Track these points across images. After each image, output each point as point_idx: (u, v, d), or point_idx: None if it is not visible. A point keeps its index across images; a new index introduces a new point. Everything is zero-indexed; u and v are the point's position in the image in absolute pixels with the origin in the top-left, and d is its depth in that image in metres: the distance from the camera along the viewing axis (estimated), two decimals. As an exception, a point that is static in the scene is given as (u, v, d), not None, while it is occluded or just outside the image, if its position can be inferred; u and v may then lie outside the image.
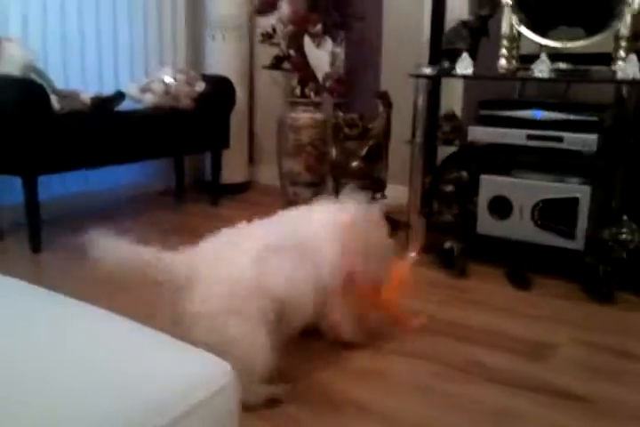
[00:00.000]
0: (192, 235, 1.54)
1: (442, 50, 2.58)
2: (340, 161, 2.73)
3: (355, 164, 2.69)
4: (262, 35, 3.21)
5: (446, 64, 2.51)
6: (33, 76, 2.60)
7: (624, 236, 2.09)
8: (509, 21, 2.33)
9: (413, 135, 2.50)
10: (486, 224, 2.34)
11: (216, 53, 3.46)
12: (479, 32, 2.50)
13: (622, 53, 2.15)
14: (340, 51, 3.27)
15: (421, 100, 2.46)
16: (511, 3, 2.29)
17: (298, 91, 3.22)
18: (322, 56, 3.12)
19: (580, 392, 1.54)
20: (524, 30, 2.38)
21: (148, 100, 3.06)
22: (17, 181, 2.52)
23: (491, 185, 2.32)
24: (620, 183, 2.44)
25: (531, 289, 2.18)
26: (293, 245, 1.51)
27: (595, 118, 2.18)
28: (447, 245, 2.33)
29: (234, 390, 0.80)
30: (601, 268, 2.07)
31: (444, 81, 2.87)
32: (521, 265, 2.21)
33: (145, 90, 3.10)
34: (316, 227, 1.60)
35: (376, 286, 1.71)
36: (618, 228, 2.12)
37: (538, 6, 2.31)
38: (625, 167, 2.42)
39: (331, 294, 1.59)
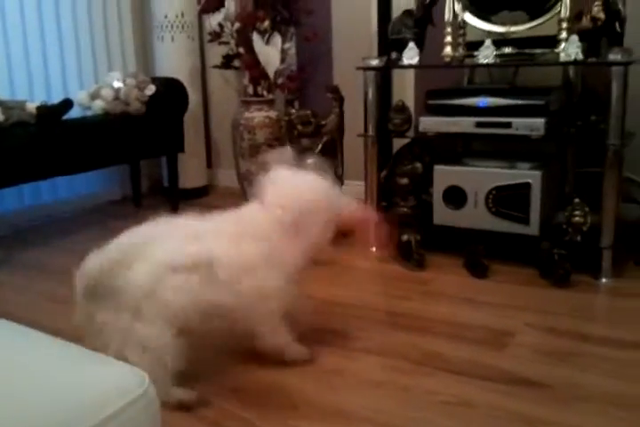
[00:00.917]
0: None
1: (389, 40, 2.56)
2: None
3: (310, 161, 2.65)
4: (210, 34, 3.17)
5: (394, 54, 2.49)
6: (-26, 88, 2.54)
7: (577, 218, 2.09)
8: (452, 8, 2.31)
9: (366, 129, 2.48)
10: (442, 214, 2.33)
11: (166, 55, 3.41)
12: (424, 20, 2.48)
13: (564, 35, 2.14)
14: (291, 46, 3.24)
15: (371, 93, 2.44)
16: (452, -10, 2.28)
17: (250, 89, 3.18)
18: (272, 53, 3.09)
19: (537, 378, 1.53)
20: (467, 17, 2.37)
21: (98, 106, 3.01)
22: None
23: (444, 175, 2.31)
24: (572, 166, 2.44)
25: (489, 277, 2.17)
26: (193, 266, 1.44)
27: (541, 102, 2.17)
28: (404, 237, 2.31)
29: (151, 400, 0.79)
30: (556, 251, 2.06)
31: (396, 72, 2.85)
32: (478, 254, 2.20)
33: (94, 96, 3.05)
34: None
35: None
36: (571, 211, 2.11)
37: (479, -8, 2.29)
38: (574, 150, 2.43)
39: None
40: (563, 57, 2.08)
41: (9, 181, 2.51)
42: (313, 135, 2.69)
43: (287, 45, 3.16)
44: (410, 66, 2.38)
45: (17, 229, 2.86)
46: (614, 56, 1.98)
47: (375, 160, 2.49)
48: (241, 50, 3.10)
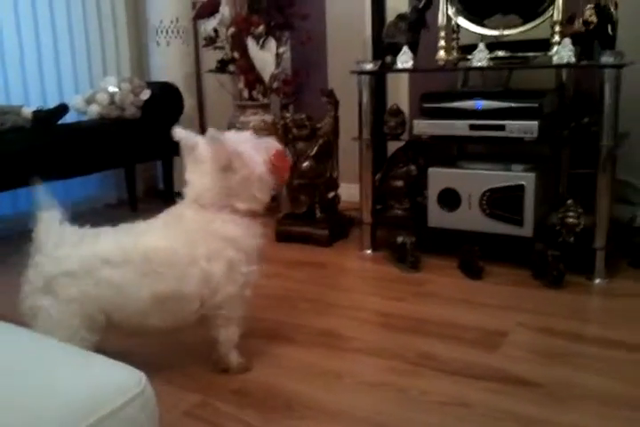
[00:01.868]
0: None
1: (383, 44, 2.58)
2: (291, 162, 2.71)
3: (305, 164, 2.67)
4: (205, 39, 3.18)
5: (388, 59, 2.51)
6: (-30, 93, 2.55)
7: (570, 220, 2.11)
8: (445, 12, 2.33)
9: (360, 132, 2.49)
10: (437, 217, 2.34)
11: (161, 60, 3.43)
12: (418, 25, 2.50)
13: (557, 38, 2.16)
14: (285, 51, 3.25)
15: (365, 97, 2.45)
16: (445, -6, 2.30)
17: (245, 94, 3.20)
18: (266, 57, 3.10)
19: (532, 378, 1.54)
20: (461, 21, 2.39)
21: (93, 111, 3.03)
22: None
23: (438, 177, 2.32)
24: (566, 168, 2.46)
25: (483, 278, 2.19)
26: (125, 259, 1.45)
27: (535, 105, 2.19)
28: (399, 239, 2.32)
29: (149, 399, 0.80)
30: (549, 252, 2.08)
31: (390, 76, 2.88)
32: (472, 255, 2.21)
33: (90, 101, 3.07)
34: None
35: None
36: (564, 212, 2.13)
37: (472, -4, 2.31)
38: (568, 151, 2.45)
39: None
40: (556, 60, 2.10)
41: (5, 185, 2.52)
42: (308, 138, 2.70)
43: (282, 50, 3.18)
44: (404, 70, 2.40)
45: (12, 233, 2.85)
46: (607, 59, 2.00)
47: (370, 163, 2.50)
48: (236, 54, 3.12)
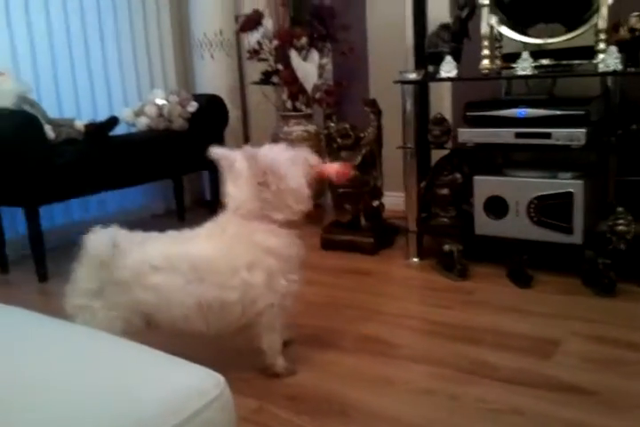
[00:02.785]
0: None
1: (426, 54, 2.60)
2: (335, 171, 2.74)
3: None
4: (249, 51, 3.24)
5: (431, 68, 2.53)
6: (26, 107, 2.63)
7: (621, 227, 2.09)
8: (488, 22, 2.34)
9: (404, 141, 2.51)
10: (484, 224, 2.35)
11: (206, 72, 3.50)
12: (460, 34, 2.52)
13: (602, 46, 2.16)
14: (327, 62, 3.30)
15: (409, 106, 2.48)
16: (488, 3, 2.31)
17: (289, 104, 3.25)
18: (309, 68, 3.15)
19: (586, 386, 1.54)
20: (503, 30, 2.39)
21: (142, 123, 3.10)
22: (18, 213, 2.55)
23: (485, 185, 2.33)
24: (613, 175, 2.45)
25: (533, 287, 2.19)
26: (174, 266, 1.51)
27: (581, 112, 2.18)
28: (446, 247, 2.33)
29: (227, 401, 0.82)
30: (600, 260, 2.07)
31: (432, 85, 2.89)
32: (521, 264, 2.21)
33: (138, 113, 3.15)
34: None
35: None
36: (614, 219, 2.12)
37: (515, 5, 2.32)
38: (616, 158, 2.43)
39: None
40: (602, 68, 2.10)
41: (60, 196, 2.60)
42: (352, 148, 2.73)
43: (324, 61, 3.22)
44: (448, 79, 2.41)
45: (66, 243, 2.94)
46: (654, 66, 2.00)
47: (414, 171, 2.52)
48: (279, 66, 3.17)
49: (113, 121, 2.88)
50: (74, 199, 2.81)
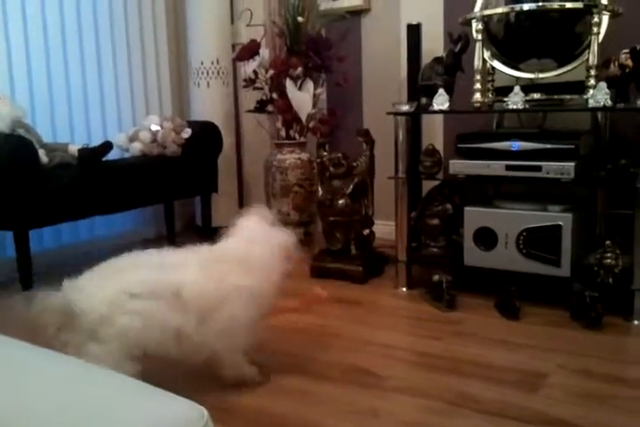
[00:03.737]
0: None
1: (419, 86, 2.64)
2: (327, 199, 2.76)
3: (341, 202, 2.72)
4: (245, 80, 3.28)
5: (424, 100, 2.56)
6: (21, 131, 2.65)
7: (608, 260, 2.11)
8: (481, 56, 2.38)
9: (396, 171, 2.53)
10: (473, 255, 2.36)
11: (201, 99, 3.53)
12: (453, 68, 2.56)
13: (592, 82, 2.19)
14: (322, 91, 3.34)
15: (402, 137, 2.50)
16: (481, 38, 2.35)
17: (283, 132, 3.28)
18: (304, 98, 3.19)
19: (572, 420, 1.53)
20: (496, 64, 2.44)
21: (136, 148, 3.12)
22: (8, 236, 2.55)
23: (475, 216, 2.35)
24: (602, 208, 2.47)
25: (520, 319, 2.18)
26: (154, 292, 1.54)
27: (571, 146, 2.21)
28: (435, 277, 2.33)
29: None
30: (587, 293, 2.07)
31: (425, 116, 2.93)
32: (509, 295, 2.21)
33: (132, 139, 3.17)
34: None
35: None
36: (602, 253, 2.13)
37: (507, 41, 2.36)
38: (605, 192, 2.46)
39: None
40: (591, 103, 2.13)
41: (51, 220, 2.60)
42: (344, 177, 2.75)
43: (319, 90, 3.26)
44: (440, 111, 2.44)
45: (55, 267, 2.93)
46: (643, 102, 2.03)
47: (405, 201, 2.53)
48: (274, 95, 3.21)
49: (107, 146, 2.90)
50: (64, 223, 2.80)
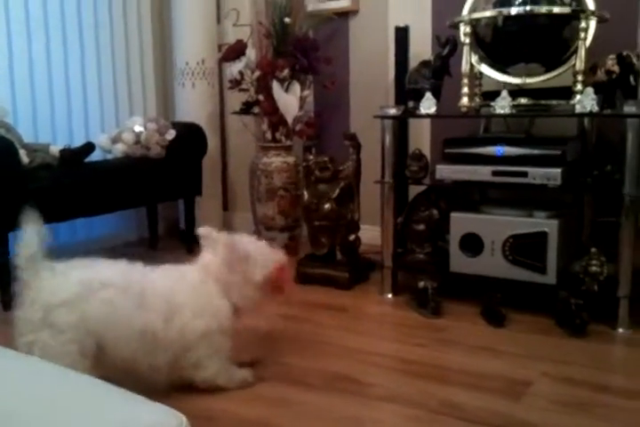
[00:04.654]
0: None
1: (406, 90, 2.62)
2: (313, 204, 2.73)
3: (327, 206, 2.69)
4: (230, 81, 3.25)
5: (411, 104, 2.54)
6: (1, 131, 2.60)
7: (594, 268, 2.10)
8: (469, 60, 2.37)
9: (383, 175, 2.51)
10: (459, 262, 2.34)
11: (186, 101, 3.49)
12: (441, 71, 2.54)
13: (580, 87, 2.18)
14: (309, 94, 3.31)
15: (388, 141, 2.48)
16: (469, 42, 2.33)
17: (269, 135, 3.24)
18: (291, 100, 3.15)
19: (556, 429, 1.52)
20: (484, 68, 2.42)
21: (119, 149, 3.08)
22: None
23: (461, 222, 2.33)
24: (589, 215, 2.46)
25: (506, 326, 2.17)
26: (125, 287, 1.56)
27: (557, 152, 2.20)
28: (421, 284, 2.31)
29: None
30: (573, 301, 2.06)
31: (412, 120, 2.91)
32: (495, 302, 2.20)
33: (115, 140, 3.12)
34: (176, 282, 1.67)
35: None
36: (588, 260, 2.12)
37: (495, 45, 2.35)
38: (591, 199, 2.45)
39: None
40: (578, 109, 2.12)
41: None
42: (330, 181, 2.73)
43: (306, 93, 3.23)
44: (427, 115, 2.43)
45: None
46: (629, 108, 2.02)
47: (392, 206, 2.51)
48: (260, 97, 3.17)
49: (89, 147, 2.86)
50: (45, 226, 2.75)
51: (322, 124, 3.38)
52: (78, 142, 2.98)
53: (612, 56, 2.21)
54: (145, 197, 3.08)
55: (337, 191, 2.71)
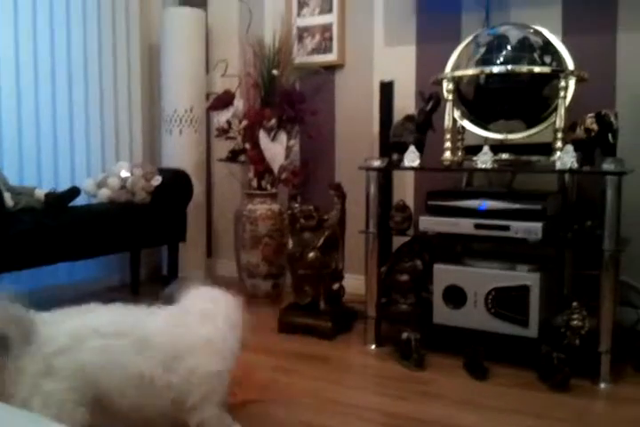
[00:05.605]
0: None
1: (390, 143, 2.67)
2: (297, 252, 2.74)
3: (311, 254, 2.70)
4: (218, 129, 3.29)
5: (395, 156, 2.59)
6: (-13, 174, 2.61)
7: (575, 322, 2.11)
8: (451, 116, 2.43)
9: (367, 225, 2.53)
10: (442, 313, 2.35)
11: (173, 147, 3.53)
12: (425, 126, 2.60)
13: (559, 144, 2.25)
14: (295, 143, 3.36)
15: (373, 191, 2.51)
16: (452, 98, 2.40)
17: (254, 183, 3.27)
18: (277, 149, 3.20)
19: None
20: (466, 124, 2.49)
21: (103, 194, 3.08)
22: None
23: (444, 274, 2.35)
24: (570, 269, 2.49)
25: (488, 379, 2.16)
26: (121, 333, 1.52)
27: (538, 207, 2.24)
28: (404, 335, 2.31)
29: None
30: (555, 355, 2.07)
31: (396, 172, 2.96)
32: (478, 355, 2.19)
33: (101, 185, 3.13)
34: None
35: None
36: (569, 314, 2.14)
37: (477, 101, 2.42)
38: (572, 253, 2.48)
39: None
40: (558, 165, 2.18)
41: (15, 265, 2.53)
42: (315, 229, 2.74)
43: (292, 142, 3.29)
44: (411, 168, 2.47)
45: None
46: (608, 166, 2.07)
47: (376, 256, 2.52)
48: (247, 145, 3.22)
49: (74, 191, 2.86)
50: (27, 269, 2.73)
51: (307, 174, 3.43)
52: (64, 186, 2.99)
53: (591, 115, 2.28)
54: (129, 242, 3.07)
55: (321, 240, 2.72)
